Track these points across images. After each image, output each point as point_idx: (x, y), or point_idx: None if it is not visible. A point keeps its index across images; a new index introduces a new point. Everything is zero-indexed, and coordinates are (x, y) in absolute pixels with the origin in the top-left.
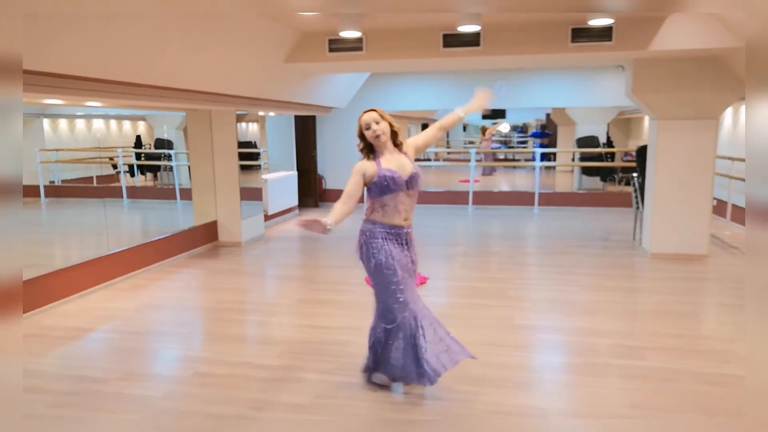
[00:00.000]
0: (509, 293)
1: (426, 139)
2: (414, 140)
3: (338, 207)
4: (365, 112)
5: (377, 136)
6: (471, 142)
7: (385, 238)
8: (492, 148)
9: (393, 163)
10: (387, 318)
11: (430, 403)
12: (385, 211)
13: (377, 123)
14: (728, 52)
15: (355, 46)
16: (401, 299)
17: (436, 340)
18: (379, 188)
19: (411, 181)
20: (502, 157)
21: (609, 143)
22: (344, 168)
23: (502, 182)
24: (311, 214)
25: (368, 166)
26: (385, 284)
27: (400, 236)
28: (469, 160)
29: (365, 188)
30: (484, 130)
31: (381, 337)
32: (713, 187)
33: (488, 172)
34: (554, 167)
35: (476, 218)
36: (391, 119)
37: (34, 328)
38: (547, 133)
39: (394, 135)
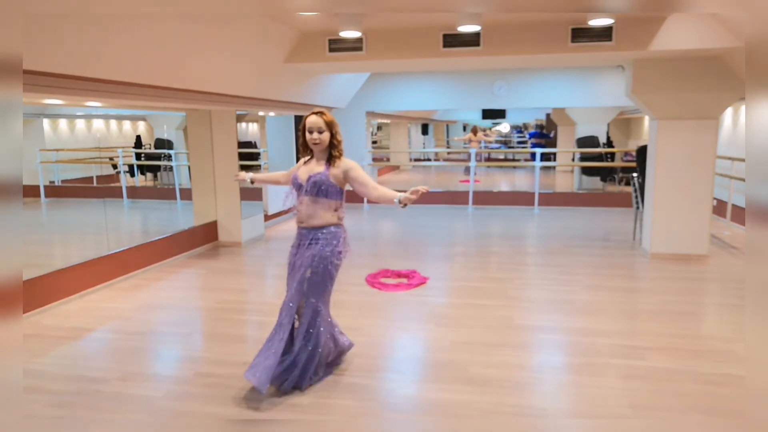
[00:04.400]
0: (509, 293)
1: (359, 182)
2: (354, 168)
3: (277, 173)
4: (313, 113)
5: (315, 143)
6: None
7: (297, 235)
8: (491, 148)
9: (305, 170)
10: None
11: (430, 403)
12: (297, 211)
13: (320, 132)
14: (728, 52)
15: (355, 46)
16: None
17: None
18: (290, 187)
19: (307, 185)
20: (502, 157)
21: (609, 143)
22: None
23: (502, 182)
24: None
25: (295, 168)
26: None
27: (300, 236)
28: (469, 160)
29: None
30: (475, 130)
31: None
32: (713, 187)
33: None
34: (554, 167)
35: (476, 218)
36: (337, 131)
37: (34, 328)
38: (545, 134)
39: (332, 146)
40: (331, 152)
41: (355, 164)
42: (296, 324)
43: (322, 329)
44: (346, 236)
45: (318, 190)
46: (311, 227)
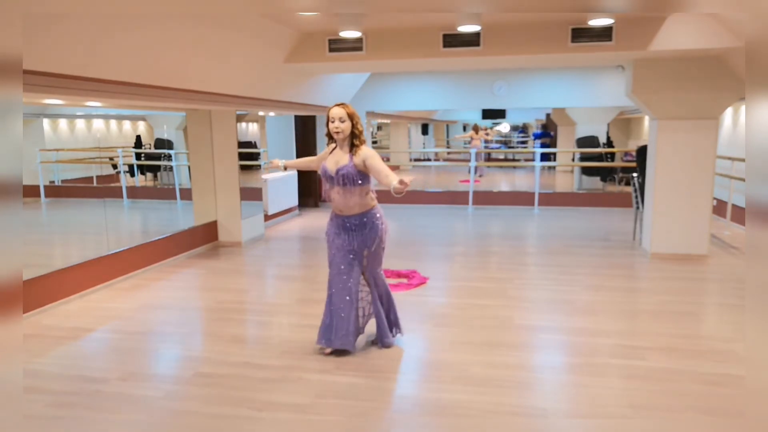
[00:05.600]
0: (509, 293)
1: (375, 171)
2: (372, 157)
3: (309, 158)
4: (336, 105)
5: (337, 132)
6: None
7: (330, 222)
8: (492, 148)
9: (333, 160)
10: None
11: (430, 403)
12: (331, 200)
13: (342, 121)
14: (728, 52)
15: (355, 46)
16: (330, 273)
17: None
18: (322, 179)
19: (337, 177)
20: (502, 157)
21: (609, 143)
22: None
23: (502, 182)
24: (311, 215)
25: (326, 153)
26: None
27: (340, 223)
28: (469, 161)
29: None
30: (476, 128)
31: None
32: (713, 187)
33: (480, 172)
34: (554, 167)
35: (476, 218)
36: (358, 121)
37: (34, 328)
38: (548, 134)
39: (354, 135)
40: (353, 141)
41: (373, 152)
42: (366, 292)
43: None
44: (382, 213)
45: (349, 181)
46: (352, 215)
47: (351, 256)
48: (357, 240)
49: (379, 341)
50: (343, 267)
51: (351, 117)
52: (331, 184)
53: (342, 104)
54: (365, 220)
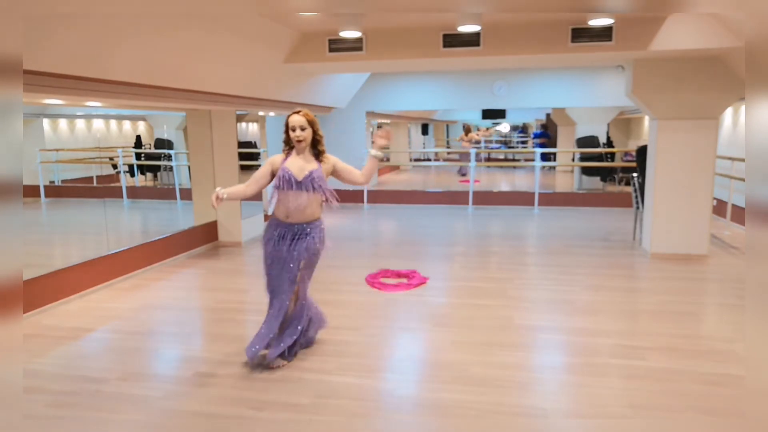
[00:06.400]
0: (509, 293)
1: (346, 171)
2: (338, 160)
3: (240, 186)
4: (294, 112)
5: (299, 141)
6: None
7: (271, 229)
8: (492, 148)
9: (296, 166)
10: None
11: (430, 403)
12: (277, 206)
13: (303, 129)
14: (728, 52)
15: (355, 46)
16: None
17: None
18: (276, 183)
19: (306, 182)
20: (502, 157)
21: (609, 143)
22: None
23: (502, 182)
24: None
25: (278, 160)
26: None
27: (283, 230)
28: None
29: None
30: (467, 130)
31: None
32: (713, 187)
33: (463, 171)
34: (554, 167)
35: (476, 218)
36: (319, 127)
37: (34, 328)
38: (546, 134)
39: (316, 142)
40: (318, 149)
41: (337, 158)
42: (291, 307)
43: (310, 301)
44: (325, 227)
45: (317, 186)
46: (299, 222)
47: (291, 265)
48: (298, 248)
49: (270, 355)
50: (277, 275)
51: (311, 124)
52: (288, 188)
53: (300, 111)
54: (312, 228)
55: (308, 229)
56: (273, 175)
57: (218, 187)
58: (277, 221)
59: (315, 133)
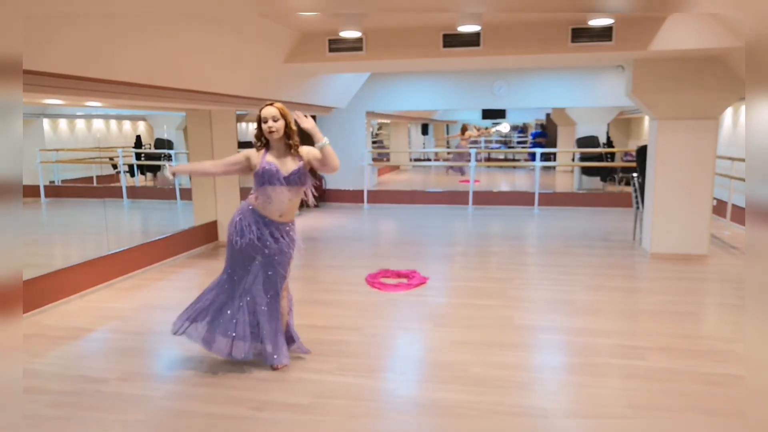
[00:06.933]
0: (509, 293)
1: (320, 158)
2: (312, 149)
3: (207, 163)
4: (266, 104)
5: (270, 132)
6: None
7: (255, 224)
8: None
9: (278, 161)
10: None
11: (430, 403)
12: (265, 203)
13: (275, 120)
14: (728, 52)
15: (355, 46)
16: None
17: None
18: (260, 179)
19: (293, 178)
20: (502, 157)
21: (609, 143)
22: (344, 168)
23: (502, 182)
24: (311, 215)
25: (254, 155)
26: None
27: (270, 229)
28: (469, 161)
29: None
30: (464, 129)
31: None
32: (713, 187)
33: (457, 170)
34: (554, 167)
35: (476, 218)
36: (291, 120)
37: (34, 328)
38: (543, 133)
39: (288, 135)
40: (292, 141)
41: (308, 147)
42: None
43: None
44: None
45: (302, 183)
46: (285, 222)
47: (279, 268)
48: (274, 249)
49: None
50: (244, 271)
51: (284, 116)
52: (274, 184)
53: (272, 103)
54: (288, 227)
55: (287, 228)
56: (248, 169)
57: (168, 164)
58: (267, 219)
59: (287, 125)
